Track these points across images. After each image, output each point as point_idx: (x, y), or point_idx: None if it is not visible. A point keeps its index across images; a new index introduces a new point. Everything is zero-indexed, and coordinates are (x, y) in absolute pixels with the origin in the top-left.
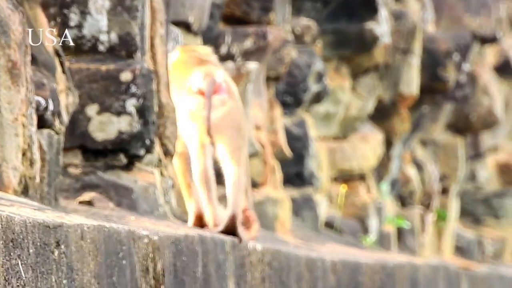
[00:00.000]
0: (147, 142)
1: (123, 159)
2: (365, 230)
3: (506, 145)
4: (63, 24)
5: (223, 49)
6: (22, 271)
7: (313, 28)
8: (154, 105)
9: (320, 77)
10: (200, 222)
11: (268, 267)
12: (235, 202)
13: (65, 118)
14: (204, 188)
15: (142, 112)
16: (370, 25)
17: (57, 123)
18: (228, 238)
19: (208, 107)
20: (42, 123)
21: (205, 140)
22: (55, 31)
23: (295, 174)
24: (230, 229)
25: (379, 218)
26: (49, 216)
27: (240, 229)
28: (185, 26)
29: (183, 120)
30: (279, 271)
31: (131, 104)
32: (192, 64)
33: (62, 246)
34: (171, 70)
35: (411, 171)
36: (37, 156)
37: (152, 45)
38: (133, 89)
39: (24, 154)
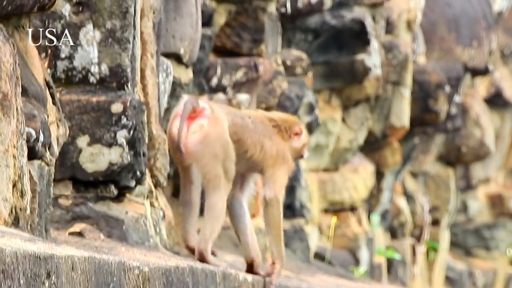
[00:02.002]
0: (138, 173)
1: (113, 190)
2: (356, 261)
3: (497, 177)
4: (54, 56)
5: (214, 81)
6: None
7: (304, 60)
8: (145, 136)
9: (311, 108)
10: None
11: None
12: (203, 233)
13: (56, 149)
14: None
15: (133, 143)
16: (361, 56)
17: (47, 154)
18: (219, 269)
19: (180, 130)
20: (33, 155)
21: (179, 165)
22: (45, 63)
23: (286, 205)
24: (199, 260)
25: (370, 249)
26: (40, 247)
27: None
28: (176, 58)
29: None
30: None
31: (122, 136)
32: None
33: (53, 277)
34: None
35: (402, 203)
36: (27, 187)
37: (143, 77)
38: (124, 120)
39: (14, 186)
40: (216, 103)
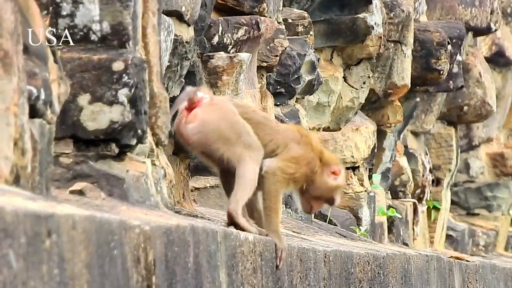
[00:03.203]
0: (139, 132)
1: (114, 149)
2: (357, 221)
3: (499, 136)
4: (55, 13)
5: (215, 39)
6: (13, 261)
7: (305, 18)
8: (146, 95)
9: (312, 67)
10: None
11: (259, 257)
12: (233, 196)
13: (57, 107)
14: None
15: (134, 102)
16: (363, 15)
17: (49, 112)
18: (220, 228)
19: (179, 122)
20: (34, 113)
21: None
22: (47, 20)
23: None
24: (230, 224)
25: (371, 209)
26: (41, 205)
27: (239, 223)
28: (178, 16)
29: None
30: (270, 262)
31: (123, 94)
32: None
33: (54, 236)
34: None
35: (404, 162)
36: (28, 145)
37: (144, 35)
38: (125, 78)
39: (15, 144)
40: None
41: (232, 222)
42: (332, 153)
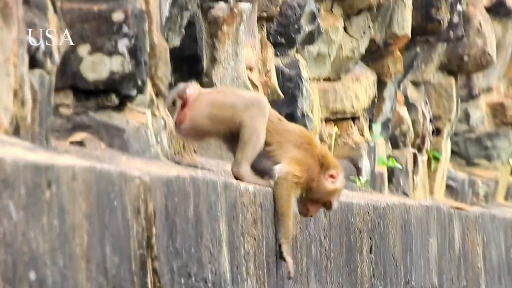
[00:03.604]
0: (139, 82)
1: (114, 99)
2: (357, 171)
3: (499, 86)
4: None
5: None
6: (13, 212)
7: None
8: (146, 45)
9: (313, 17)
10: None
11: (259, 208)
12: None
13: (57, 58)
14: None
15: (134, 52)
16: None
17: (48, 63)
18: (219, 179)
19: (177, 114)
20: (34, 63)
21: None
22: None
23: (288, 114)
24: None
25: (371, 159)
26: (41, 156)
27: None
28: None
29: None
30: (270, 212)
31: (123, 45)
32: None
33: (54, 187)
34: None
35: (404, 112)
36: (28, 96)
37: None
38: (125, 29)
39: (15, 94)
40: None
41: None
42: (333, 157)
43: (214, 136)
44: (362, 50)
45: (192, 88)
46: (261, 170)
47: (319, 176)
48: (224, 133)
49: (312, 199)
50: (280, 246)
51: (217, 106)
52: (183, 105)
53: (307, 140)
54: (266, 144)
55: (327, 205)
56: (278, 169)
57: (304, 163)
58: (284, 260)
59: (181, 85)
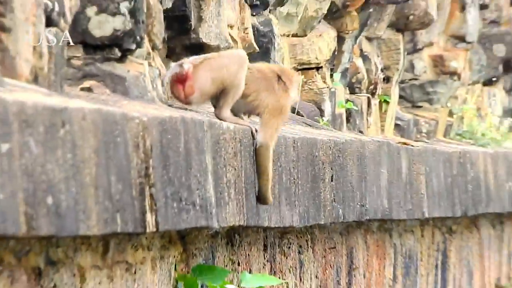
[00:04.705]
0: (138, 38)
1: (117, 52)
2: (321, 112)
3: (439, 41)
4: None
5: None
6: (33, 147)
7: None
8: (144, 7)
9: None
10: None
11: (239, 143)
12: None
13: (69, 18)
14: None
15: (133, 13)
16: None
17: (62, 22)
18: (205, 119)
19: (183, 88)
20: (50, 22)
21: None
22: None
23: None
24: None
25: (332, 102)
26: (56, 100)
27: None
28: None
29: None
30: (248, 147)
31: (124, 6)
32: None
33: (67, 126)
34: None
35: (359, 63)
36: (45, 50)
37: None
38: None
39: (34, 49)
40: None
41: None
42: (280, 65)
43: (216, 95)
44: (325, 10)
45: (186, 63)
46: (243, 115)
47: (290, 91)
48: (222, 89)
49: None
50: (264, 192)
51: (214, 70)
52: (185, 80)
53: (270, 72)
54: (246, 95)
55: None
56: (259, 141)
57: (282, 102)
58: (267, 203)
59: (174, 65)
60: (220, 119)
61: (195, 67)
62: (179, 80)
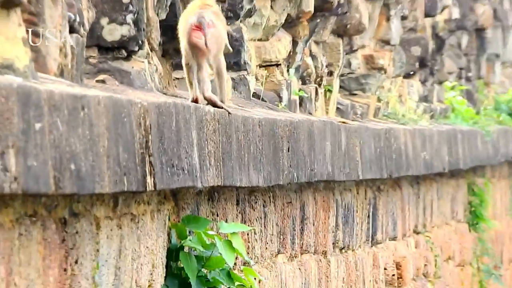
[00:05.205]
0: (140, 42)
1: (124, 53)
2: (280, 99)
3: (370, 44)
4: None
5: None
6: (60, 125)
7: None
8: (144, 18)
9: (251, 1)
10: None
11: (217, 122)
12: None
13: (87, 26)
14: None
15: (136, 23)
16: None
17: (81, 30)
18: (192, 104)
19: (204, 34)
20: (72, 30)
21: (206, 51)
22: None
23: (234, 62)
24: (214, 104)
25: (288, 91)
26: (77, 90)
27: (220, 104)
28: None
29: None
30: (224, 125)
31: (129, 18)
32: (197, 7)
33: (86, 109)
34: (185, 12)
35: (309, 61)
36: (69, 51)
37: None
38: (131, 7)
39: (60, 50)
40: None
41: (213, 103)
42: None
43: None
44: (282, 21)
45: (205, 16)
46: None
47: None
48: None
49: None
50: (220, 101)
51: (223, 24)
52: (207, 27)
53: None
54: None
55: None
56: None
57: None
58: (222, 107)
59: (196, 17)
60: (211, 100)
61: (211, 21)
62: (201, 27)
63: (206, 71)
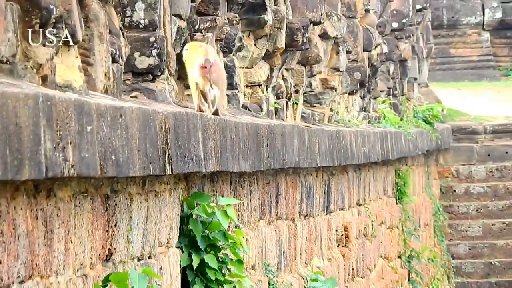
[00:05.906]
0: (162, 69)
1: (150, 77)
2: (261, 109)
3: (325, 71)
4: (122, 13)
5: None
6: (105, 128)
7: (236, 18)
8: (165, 52)
9: (240, 40)
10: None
11: (216, 126)
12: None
13: (124, 58)
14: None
15: (160, 55)
16: (263, 15)
17: (120, 60)
18: (198, 113)
19: (209, 72)
20: (114, 60)
21: (207, 85)
22: (119, 18)
23: (229, 83)
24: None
25: (267, 104)
26: (117, 103)
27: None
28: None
29: (194, 76)
30: (221, 128)
31: (154, 52)
32: (196, 49)
33: (123, 116)
34: (187, 54)
35: (282, 82)
36: (111, 75)
37: (163, 24)
38: (155, 45)
39: (105, 74)
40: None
41: (216, 112)
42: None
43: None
44: (262, 54)
45: (211, 59)
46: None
47: None
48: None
49: None
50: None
51: (221, 69)
52: (211, 66)
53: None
54: None
55: None
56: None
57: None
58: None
59: (203, 59)
60: (217, 110)
61: (215, 62)
62: (206, 66)
63: (209, 89)
